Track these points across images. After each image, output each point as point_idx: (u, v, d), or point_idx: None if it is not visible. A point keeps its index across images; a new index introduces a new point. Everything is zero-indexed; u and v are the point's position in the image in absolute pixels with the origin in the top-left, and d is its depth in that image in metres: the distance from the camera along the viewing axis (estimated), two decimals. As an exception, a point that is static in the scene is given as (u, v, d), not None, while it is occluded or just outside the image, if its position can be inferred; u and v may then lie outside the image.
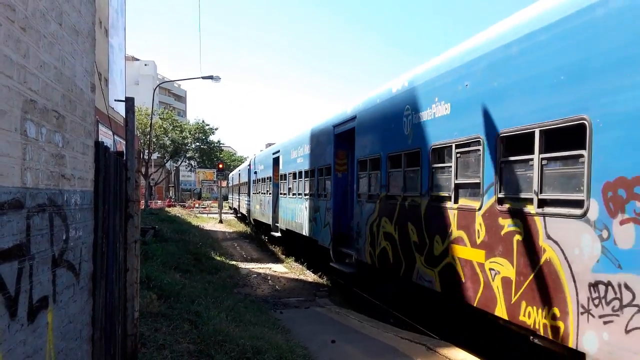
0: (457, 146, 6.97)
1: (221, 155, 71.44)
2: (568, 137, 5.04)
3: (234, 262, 17.23)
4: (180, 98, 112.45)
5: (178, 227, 22.28)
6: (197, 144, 62.65)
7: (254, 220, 29.26)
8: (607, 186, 4.55)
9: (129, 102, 5.59)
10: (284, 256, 19.87)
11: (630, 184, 4.32)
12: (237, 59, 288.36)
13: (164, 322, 7.53)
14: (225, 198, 61.41)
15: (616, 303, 4.42)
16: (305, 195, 15.85)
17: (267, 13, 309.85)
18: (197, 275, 12.77)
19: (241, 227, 33.90)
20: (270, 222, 22.27)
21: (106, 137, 20.33)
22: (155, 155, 56.39)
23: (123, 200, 5.23)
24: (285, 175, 19.23)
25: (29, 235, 2.70)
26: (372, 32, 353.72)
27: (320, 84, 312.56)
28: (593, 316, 4.64)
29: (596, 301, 4.64)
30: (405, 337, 8.25)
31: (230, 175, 56.11)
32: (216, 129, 64.35)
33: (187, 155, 64.37)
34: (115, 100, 15.38)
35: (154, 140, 50.49)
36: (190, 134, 59.92)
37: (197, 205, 62.03)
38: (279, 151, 20.80)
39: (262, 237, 26.47)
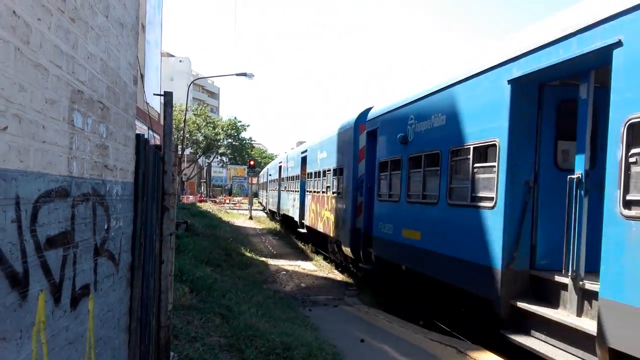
0: (330, 170, 16.55)
1: (252, 152, 72.07)
2: (336, 172, 15.93)
3: (263, 259, 17.33)
4: (214, 95, 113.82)
5: (209, 222, 22.53)
6: (229, 140, 63.34)
7: (269, 210, 40.48)
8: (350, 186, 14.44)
9: (168, 96, 5.62)
10: (314, 254, 19.92)
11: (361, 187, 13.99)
12: (271, 57, 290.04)
13: (195, 315, 7.61)
14: (256, 195, 61.84)
15: (343, 224, 14.61)
16: (291, 191, 26.04)
17: (301, 13, 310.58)
18: (228, 270, 12.88)
19: (271, 224, 34.06)
20: (276, 210, 34.04)
21: (141, 131, 20.63)
22: (188, 151, 57.21)
23: (160, 193, 5.28)
24: (284, 178, 30.64)
25: (74, 223, 2.74)
26: (402, 32, 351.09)
27: (351, 83, 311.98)
28: (339, 229, 14.93)
29: (340, 225, 14.80)
30: (435, 339, 8.14)
31: (261, 172, 56.64)
32: (248, 126, 64.87)
33: (219, 152, 65.09)
34: (153, 94, 15.60)
35: (187, 136, 51.20)
36: (222, 130, 60.60)
37: (227, 201, 62.60)
38: (281, 161, 32.88)
39: (286, 232, 30.30)
